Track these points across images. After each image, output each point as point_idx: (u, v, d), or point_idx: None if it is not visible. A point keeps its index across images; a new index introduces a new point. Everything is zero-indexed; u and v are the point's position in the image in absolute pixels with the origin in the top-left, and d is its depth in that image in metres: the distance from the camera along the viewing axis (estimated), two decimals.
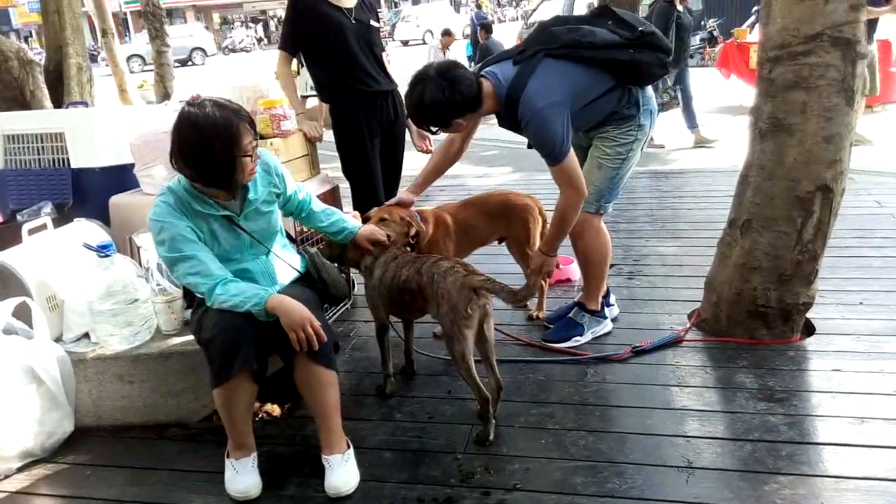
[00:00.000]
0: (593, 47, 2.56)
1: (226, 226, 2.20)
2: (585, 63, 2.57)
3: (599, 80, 2.61)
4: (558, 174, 2.56)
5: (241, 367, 2.04)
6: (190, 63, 28.60)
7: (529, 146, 2.74)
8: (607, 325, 3.10)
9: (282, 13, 40.95)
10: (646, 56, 2.60)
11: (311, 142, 3.33)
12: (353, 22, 3.20)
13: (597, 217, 2.89)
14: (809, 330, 2.96)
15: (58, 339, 2.62)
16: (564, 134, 2.49)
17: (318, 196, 3.18)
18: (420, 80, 2.47)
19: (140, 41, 26.57)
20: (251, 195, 2.23)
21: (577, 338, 3.01)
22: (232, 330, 2.03)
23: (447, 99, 2.44)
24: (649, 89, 2.79)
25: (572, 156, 2.55)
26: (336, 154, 3.43)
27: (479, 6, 28.03)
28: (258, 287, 2.11)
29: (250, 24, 41.77)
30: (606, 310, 3.12)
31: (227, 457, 2.22)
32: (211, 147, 2.00)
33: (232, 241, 2.22)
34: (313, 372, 2.16)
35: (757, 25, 8.21)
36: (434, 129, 2.62)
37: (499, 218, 3.13)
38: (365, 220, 2.83)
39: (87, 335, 2.65)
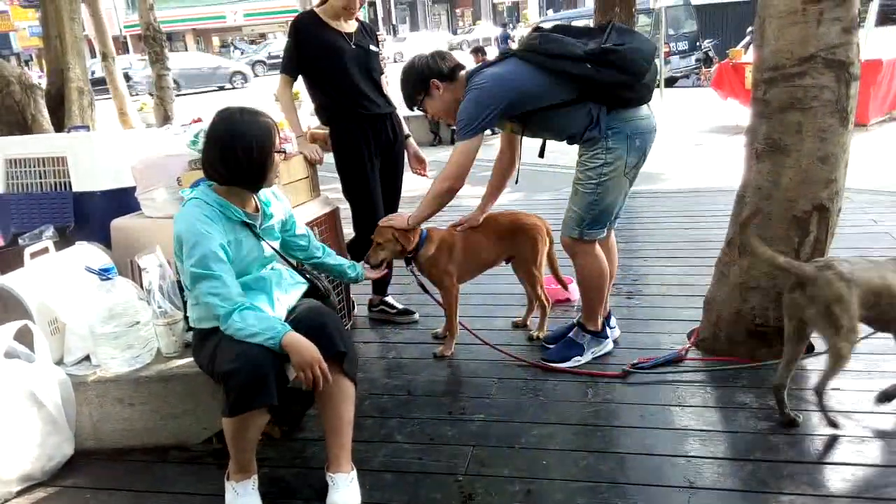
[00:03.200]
0: (547, 55, 2.63)
1: (248, 235, 2.26)
2: (543, 69, 2.64)
3: (556, 89, 2.64)
4: (453, 150, 2.77)
5: (262, 403, 2.04)
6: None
7: (541, 154, 2.87)
8: (608, 346, 3.09)
9: (281, 36, 41.30)
10: (606, 75, 2.57)
11: (312, 164, 3.36)
12: (353, 47, 3.24)
13: (585, 243, 2.85)
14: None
15: (59, 362, 2.63)
16: (481, 121, 2.63)
17: (318, 218, 3.23)
18: (414, 56, 2.90)
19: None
20: (270, 209, 2.36)
21: (577, 357, 3.00)
22: (256, 364, 2.02)
23: (428, 62, 2.80)
24: (631, 112, 2.70)
25: (471, 146, 2.68)
26: (335, 176, 3.46)
27: (504, 25, 28.17)
28: (275, 322, 2.11)
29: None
30: (608, 330, 3.11)
31: (228, 479, 2.21)
32: (248, 144, 2.11)
33: (253, 252, 2.27)
34: (339, 382, 2.17)
35: (751, 46, 8.29)
36: (419, 96, 2.84)
37: (508, 238, 3.16)
38: (370, 244, 2.96)
39: (87, 358, 2.66)
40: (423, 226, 3.03)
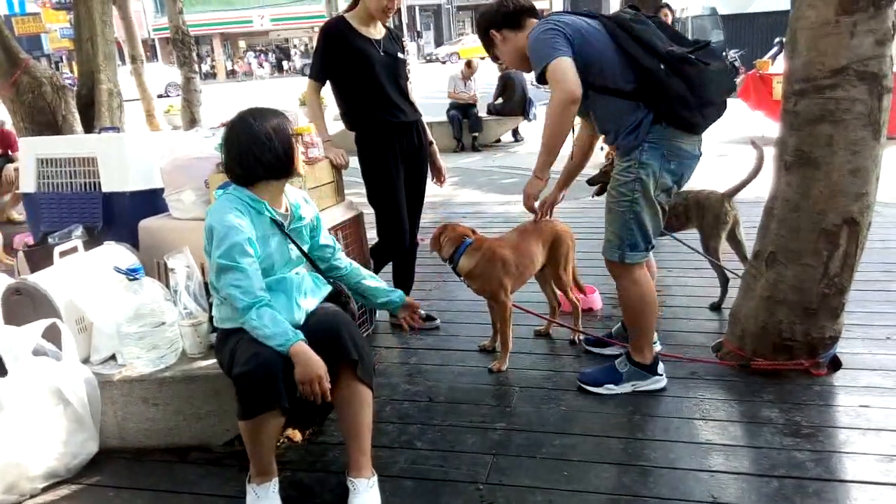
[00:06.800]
0: (629, 32, 2.47)
1: (277, 234, 2.28)
2: (617, 45, 2.47)
3: (621, 72, 2.48)
4: (549, 76, 2.43)
5: (273, 405, 2.05)
6: None
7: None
8: (658, 381, 2.82)
9: (306, 41, 41.63)
10: (673, 83, 2.42)
11: (337, 169, 3.38)
12: (382, 54, 3.25)
13: (626, 267, 2.68)
14: (836, 365, 2.92)
15: (85, 361, 2.66)
16: (560, 45, 2.40)
17: (342, 223, 3.24)
18: None
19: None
20: (300, 211, 2.38)
21: (611, 385, 2.80)
22: (266, 368, 2.03)
23: (486, 13, 2.71)
24: (675, 131, 2.50)
25: (560, 62, 2.38)
26: (358, 180, 3.48)
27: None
28: (289, 328, 2.12)
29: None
30: (660, 365, 2.84)
31: (249, 482, 2.22)
32: (269, 137, 2.18)
33: (279, 250, 2.29)
34: (355, 388, 2.18)
35: (779, 57, 8.17)
36: (490, 47, 2.75)
37: (549, 244, 3.17)
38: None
39: (113, 357, 2.69)
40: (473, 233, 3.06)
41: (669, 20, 6.76)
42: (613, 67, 2.49)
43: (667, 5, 7.01)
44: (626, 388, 2.81)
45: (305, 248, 2.41)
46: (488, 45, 2.76)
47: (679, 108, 2.45)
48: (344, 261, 2.57)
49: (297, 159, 2.27)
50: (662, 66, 2.43)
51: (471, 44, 33.85)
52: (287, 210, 2.35)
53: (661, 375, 2.84)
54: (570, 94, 2.39)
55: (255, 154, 2.18)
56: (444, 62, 33.96)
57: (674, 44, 2.51)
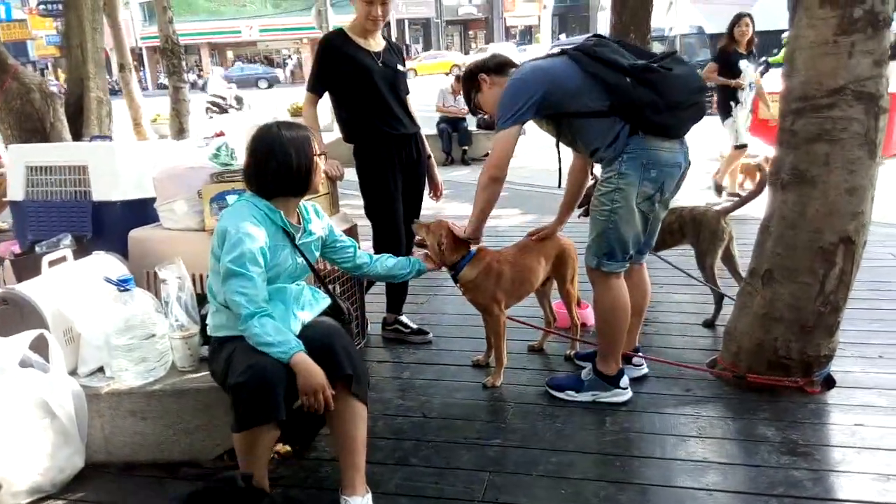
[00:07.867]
0: (592, 57, 2.56)
1: (287, 245, 2.28)
2: (585, 71, 2.57)
3: (591, 95, 2.55)
4: (496, 138, 2.67)
5: (270, 418, 2.02)
6: None
7: (559, 184, 2.83)
8: (619, 395, 2.85)
9: (297, 51, 41.63)
10: (640, 93, 2.49)
11: (333, 181, 3.35)
12: (381, 66, 3.25)
13: (603, 274, 2.72)
14: (829, 383, 2.92)
15: (72, 372, 2.60)
16: (518, 110, 2.57)
17: None
18: None
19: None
20: (311, 227, 2.39)
21: (572, 392, 2.88)
22: (264, 379, 2.01)
23: (477, 61, 2.93)
24: (653, 140, 2.53)
25: (508, 135, 2.61)
26: (353, 192, 3.45)
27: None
28: (291, 338, 2.10)
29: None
30: (624, 378, 2.87)
31: None
32: (289, 155, 2.20)
33: (286, 262, 2.28)
34: (349, 404, 2.15)
35: (765, 75, 8.23)
36: (471, 93, 2.90)
37: (553, 259, 3.17)
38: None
39: (101, 369, 2.63)
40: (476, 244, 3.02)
41: (749, 31, 6.51)
42: (584, 92, 2.57)
43: (748, 15, 6.67)
44: (585, 396, 2.87)
45: (313, 261, 2.41)
46: (473, 89, 2.89)
47: (651, 114, 2.51)
48: (364, 255, 2.65)
49: (314, 179, 2.28)
50: (628, 80, 2.51)
51: (428, 60, 35.22)
52: (299, 223, 2.35)
53: (625, 389, 2.87)
54: (496, 172, 2.68)
55: (273, 169, 2.20)
56: None
57: (638, 58, 2.60)
